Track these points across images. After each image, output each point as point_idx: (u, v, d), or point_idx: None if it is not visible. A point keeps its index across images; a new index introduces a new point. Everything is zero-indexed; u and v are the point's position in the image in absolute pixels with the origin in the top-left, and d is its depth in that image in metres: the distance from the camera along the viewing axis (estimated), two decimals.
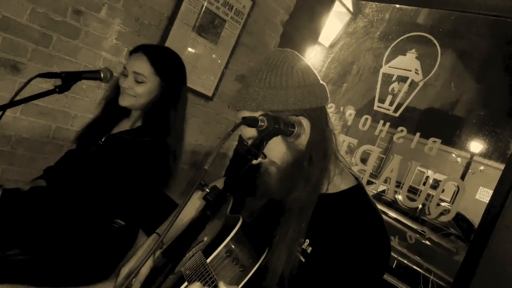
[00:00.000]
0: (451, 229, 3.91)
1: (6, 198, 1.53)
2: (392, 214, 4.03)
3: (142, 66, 1.61)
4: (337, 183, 1.03)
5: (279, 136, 0.96)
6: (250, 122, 0.82)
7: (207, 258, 1.00)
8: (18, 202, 1.55)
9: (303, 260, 0.99)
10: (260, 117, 0.83)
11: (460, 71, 2.98)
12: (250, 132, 0.98)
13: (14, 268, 1.38)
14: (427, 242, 3.30)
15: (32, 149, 2.15)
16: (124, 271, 1.26)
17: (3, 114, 1.34)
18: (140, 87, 1.61)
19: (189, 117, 2.75)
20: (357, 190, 1.03)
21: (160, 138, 1.60)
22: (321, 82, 1.05)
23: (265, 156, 0.96)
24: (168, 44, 2.45)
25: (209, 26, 2.65)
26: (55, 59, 2.09)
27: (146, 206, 1.62)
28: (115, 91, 1.70)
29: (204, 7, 2.56)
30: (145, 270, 1.21)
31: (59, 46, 2.09)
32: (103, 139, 1.68)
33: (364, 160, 2.87)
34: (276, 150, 0.99)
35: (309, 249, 0.99)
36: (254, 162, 0.94)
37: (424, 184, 2.60)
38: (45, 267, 1.43)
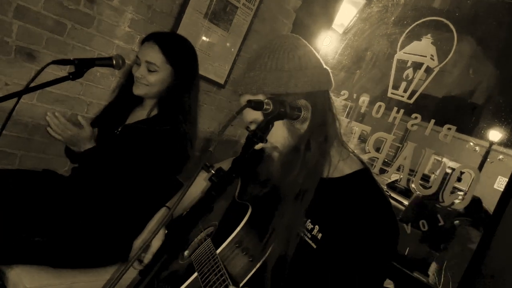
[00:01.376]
0: (467, 218, 3.86)
1: (23, 180, 1.59)
2: (405, 202, 3.99)
3: (154, 55, 1.62)
4: (342, 168, 1.03)
5: (281, 121, 0.96)
6: (256, 105, 0.82)
7: (217, 248, 1.00)
8: (34, 185, 1.60)
9: (314, 246, 0.99)
10: (266, 100, 0.84)
11: (479, 57, 2.91)
12: (252, 115, 0.98)
13: (32, 250, 1.43)
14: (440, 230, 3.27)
15: (47, 136, 2.20)
16: (137, 243, 1.29)
17: (18, 100, 1.37)
18: (152, 76, 1.64)
19: (202, 105, 2.77)
20: (363, 173, 1.02)
21: (178, 126, 1.63)
22: (325, 66, 1.05)
23: (266, 141, 0.97)
24: (180, 31, 2.46)
25: (221, 13, 2.64)
26: (69, 47, 2.13)
27: (162, 192, 1.65)
28: (129, 79, 1.72)
29: None
30: (157, 243, 1.24)
31: (73, 34, 2.12)
32: (119, 129, 1.72)
33: (379, 149, 2.85)
34: (277, 134, 0.99)
35: (319, 235, 0.99)
36: (257, 147, 0.95)
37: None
38: (62, 250, 1.48)
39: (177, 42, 1.71)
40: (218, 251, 1.00)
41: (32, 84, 1.37)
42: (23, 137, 2.13)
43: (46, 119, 1.47)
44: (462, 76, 2.96)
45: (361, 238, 0.93)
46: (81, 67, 1.45)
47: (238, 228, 1.00)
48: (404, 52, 2.98)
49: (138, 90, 1.66)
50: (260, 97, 0.96)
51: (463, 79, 2.98)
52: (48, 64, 1.40)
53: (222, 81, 2.85)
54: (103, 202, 1.60)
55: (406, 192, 4.12)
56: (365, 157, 1.09)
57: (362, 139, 2.94)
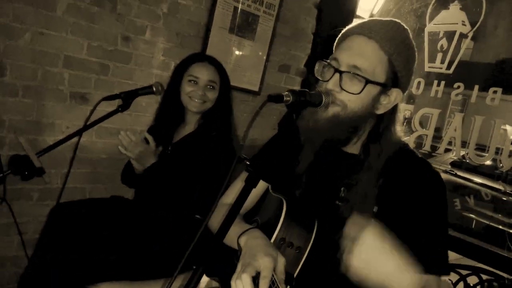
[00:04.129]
0: None
1: (94, 208, 1.78)
2: (476, 178, 3.79)
3: (214, 75, 1.86)
4: None
5: (375, 89, 1.03)
6: (276, 98, 0.90)
7: None
8: (104, 211, 1.79)
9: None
10: (286, 93, 0.91)
11: None
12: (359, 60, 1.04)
13: (111, 267, 1.60)
14: (507, 197, 3.10)
15: (110, 167, 2.43)
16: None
17: (80, 138, 1.57)
18: (211, 93, 1.86)
19: (241, 114, 2.88)
20: (405, 149, 1.10)
21: (221, 131, 1.83)
22: None
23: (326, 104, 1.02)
24: (209, 49, 2.62)
25: (244, 25, 2.77)
26: (114, 84, 2.35)
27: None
28: (169, 100, 1.90)
29: (235, 8, 2.69)
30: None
31: (116, 72, 2.34)
32: (169, 148, 1.89)
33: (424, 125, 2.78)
34: (362, 97, 1.03)
35: (375, 208, 1.04)
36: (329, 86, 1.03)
37: None
38: (136, 264, 1.64)
39: (221, 64, 1.95)
40: None
41: (89, 122, 1.57)
42: (89, 171, 2.37)
43: (119, 138, 1.68)
44: (508, 37, 2.82)
45: (416, 201, 1.00)
46: (127, 99, 1.64)
47: (278, 227, 1.06)
48: (434, 24, 2.92)
49: (196, 108, 1.85)
50: (380, 52, 1.02)
51: (508, 39, 2.84)
52: (99, 102, 1.60)
53: (256, 89, 2.97)
54: (168, 215, 1.75)
55: (474, 169, 3.93)
56: (413, 136, 1.15)
57: (407, 118, 2.89)
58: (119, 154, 2.44)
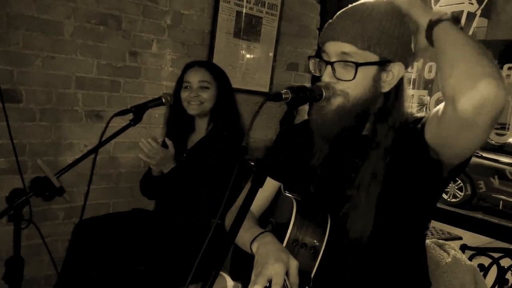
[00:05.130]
0: None
1: (114, 222, 1.82)
2: (502, 158, 3.67)
3: (205, 75, 1.89)
4: None
5: (371, 70, 1.00)
6: (274, 97, 0.90)
7: None
8: (126, 224, 1.83)
9: None
10: (284, 91, 0.91)
11: None
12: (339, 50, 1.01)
13: (138, 278, 1.63)
14: None
15: (130, 180, 2.48)
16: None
17: (96, 155, 1.61)
18: (205, 93, 1.88)
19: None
20: (410, 121, 1.08)
21: (232, 131, 1.84)
22: None
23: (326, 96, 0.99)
24: (215, 55, 2.65)
25: (248, 28, 2.79)
26: (127, 99, 2.40)
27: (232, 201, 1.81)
28: (175, 110, 1.93)
29: (238, 12, 2.71)
30: None
31: (127, 87, 2.39)
32: (184, 155, 1.92)
33: None
34: (361, 82, 1.00)
35: (381, 187, 1.03)
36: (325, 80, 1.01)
37: None
38: (164, 272, 1.67)
39: (213, 64, 1.99)
40: None
41: (103, 139, 1.61)
42: (110, 186, 2.43)
43: (140, 145, 1.72)
44: None
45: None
46: (138, 113, 1.66)
47: (290, 228, 1.03)
48: (440, 6, 2.87)
49: (193, 110, 1.88)
50: (352, 48, 0.98)
51: None
52: (111, 118, 1.62)
53: (266, 90, 2.97)
54: (186, 220, 1.78)
55: (499, 149, 3.81)
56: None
57: (419, 104, 2.84)
58: (138, 167, 2.50)
